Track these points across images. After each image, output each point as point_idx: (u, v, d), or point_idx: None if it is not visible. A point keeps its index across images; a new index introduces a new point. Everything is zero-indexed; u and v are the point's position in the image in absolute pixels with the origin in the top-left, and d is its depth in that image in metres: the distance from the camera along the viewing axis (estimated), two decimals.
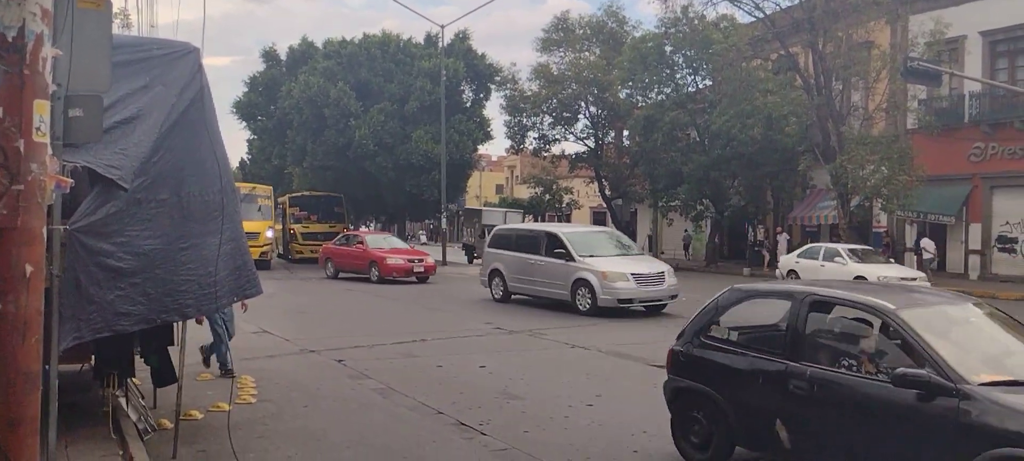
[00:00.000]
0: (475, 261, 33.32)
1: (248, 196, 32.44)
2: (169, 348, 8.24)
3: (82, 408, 8.21)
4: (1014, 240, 28.95)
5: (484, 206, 41.02)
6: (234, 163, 60.72)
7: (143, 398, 8.60)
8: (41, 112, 4.12)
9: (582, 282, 18.57)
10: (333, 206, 40.01)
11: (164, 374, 8.23)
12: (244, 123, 47.01)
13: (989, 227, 29.60)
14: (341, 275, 28.64)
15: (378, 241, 29.34)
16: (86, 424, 7.63)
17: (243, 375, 10.60)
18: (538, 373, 11.51)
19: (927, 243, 29.11)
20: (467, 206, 54.01)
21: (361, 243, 28.72)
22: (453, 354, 13.00)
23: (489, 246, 22.10)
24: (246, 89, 46.20)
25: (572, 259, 18.97)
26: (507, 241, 21.51)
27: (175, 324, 7.95)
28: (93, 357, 8.52)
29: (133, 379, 8.59)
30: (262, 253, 30.61)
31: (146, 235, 6.25)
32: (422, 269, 27.22)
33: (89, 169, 5.99)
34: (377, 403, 9.59)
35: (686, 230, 44.15)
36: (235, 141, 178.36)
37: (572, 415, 9.00)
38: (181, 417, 7.50)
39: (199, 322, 9.75)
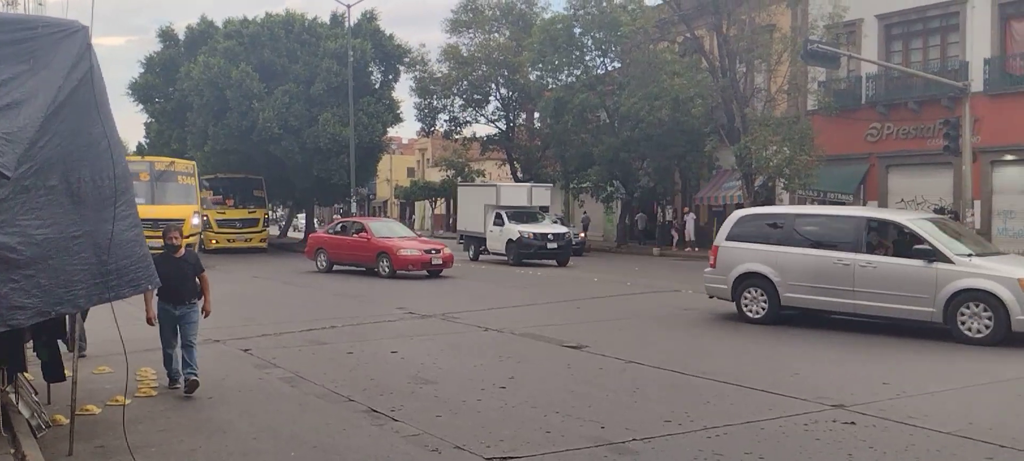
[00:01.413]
0: (482, 256, 31.07)
1: (165, 173, 29.43)
2: (61, 341, 7.85)
3: None
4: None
5: (499, 182, 35.25)
6: (131, 148, 58.55)
7: (36, 393, 8.18)
8: None
9: (972, 296, 12.29)
10: (252, 189, 38.34)
11: (54, 369, 7.83)
12: (141, 106, 45.29)
13: (885, 205, 30.79)
14: (336, 268, 25.64)
15: (382, 228, 25.96)
16: None
17: (143, 367, 10.20)
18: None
19: None
20: (475, 182, 42.81)
21: (364, 231, 25.18)
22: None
23: (731, 238, 15.21)
24: (142, 70, 44.50)
25: (945, 260, 12.63)
26: (776, 231, 14.76)
27: (67, 316, 7.58)
28: None
29: (25, 374, 8.15)
30: (189, 246, 28.81)
31: (37, 224, 5.94)
32: (440, 261, 24.01)
33: None
34: (285, 392, 9.34)
35: (584, 212, 44.52)
36: (132, 124, 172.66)
37: (484, 398, 8.95)
38: (77, 412, 7.15)
39: (150, 323, 9.29)
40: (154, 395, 9.10)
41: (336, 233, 26.63)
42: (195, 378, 9.00)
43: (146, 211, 23.66)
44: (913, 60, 29.97)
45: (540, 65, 39.74)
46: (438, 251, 24.09)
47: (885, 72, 29.85)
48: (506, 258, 29.22)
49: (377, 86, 41.96)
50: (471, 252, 31.52)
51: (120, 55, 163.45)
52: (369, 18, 41.79)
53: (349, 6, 39.22)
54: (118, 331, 7.15)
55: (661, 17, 34.96)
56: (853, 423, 7.87)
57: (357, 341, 12.72)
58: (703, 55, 32.72)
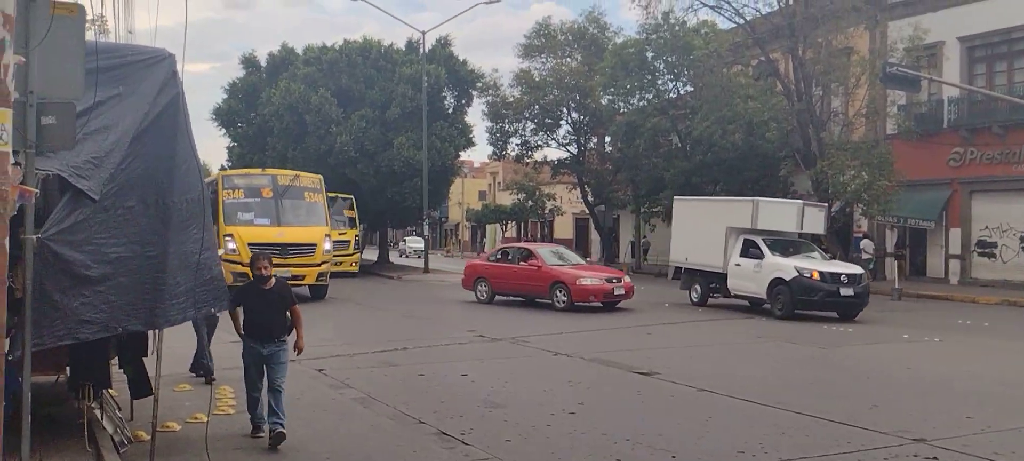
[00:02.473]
0: (715, 297, 22.74)
1: (290, 190, 23.91)
2: (145, 359, 8.11)
3: (57, 420, 8.06)
4: (993, 244, 29.16)
5: (756, 197, 23.79)
6: (213, 170, 60.23)
7: (119, 409, 8.45)
8: (2, 120, 4.02)
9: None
10: (342, 208, 33.85)
11: (140, 385, 8.09)
12: (224, 130, 46.62)
13: (968, 232, 29.81)
14: (498, 298, 23.25)
15: (551, 255, 23.17)
16: (61, 436, 7.48)
17: (222, 385, 10.46)
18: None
19: (866, 244, 29.86)
20: (708, 197, 31.06)
21: (534, 258, 22.53)
22: None
23: None
24: (225, 96, 45.83)
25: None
26: None
27: (151, 334, 7.84)
28: (68, 367, 8.39)
29: (110, 390, 8.45)
30: (319, 276, 22.79)
31: (112, 242, 6.17)
32: (622, 291, 21.40)
33: (60, 177, 5.88)
34: (358, 412, 9.48)
35: (645, 236, 44.13)
36: (215, 148, 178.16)
37: (554, 423, 8.93)
38: (158, 429, 7.36)
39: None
40: (232, 414, 9.30)
41: (498, 260, 24.07)
42: (282, 430, 7.80)
43: (270, 234, 21.82)
44: (998, 83, 29.04)
45: (611, 89, 39.68)
46: (619, 279, 21.65)
47: (968, 95, 28.98)
48: (760, 304, 21.22)
49: (450, 111, 42.42)
50: (695, 292, 23.05)
51: (204, 81, 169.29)
52: (443, 44, 42.33)
53: (424, 32, 39.86)
54: (205, 350, 7.35)
55: (735, 40, 34.61)
56: (935, 459, 7.62)
57: (429, 362, 12.83)
58: (778, 78, 32.24)
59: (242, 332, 8.08)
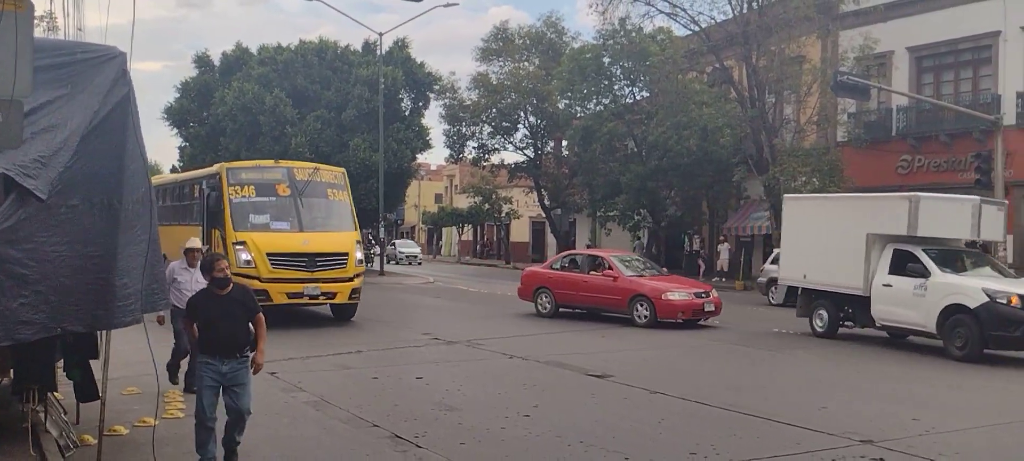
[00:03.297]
0: (848, 327, 17.27)
1: (310, 186, 18.66)
2: (92, 361, 7.96)
3: (1, 424, 7.88)
4: None
5: (916, 193, 16.86)
6: (165, 171, 59.31)
7: (65, 413, 8.29)
8: None
9: None
10: None
11: (86, 389, 7.95)
12: (176, 130, 46.00)
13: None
14: (562, 310, 20.42)
15: (626, 265, 20.28)
16: (5, 440, 7.34)
17: (171, 389, 10.32)
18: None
19: None
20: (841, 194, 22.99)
21: (609, 268, 19.67)
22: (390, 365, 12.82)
23: None
24: (178, 95, 45.23)
25: None
26: None
27: (99, 336, 7.70)
28: (12, 370, 8.21)
29: (55, 393, 8.28)
30: (353, 293, 18.16)
31: (54, 241, 6.05)
32: (713, 306, 18.87)
33: (6, 176, 5.76)
34: (310, 416, 9.41)
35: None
36: (166, 148, 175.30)
37: (508, 426, 8.95)
38: (105, 433, 7.24)
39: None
40: (182, 417, 9.18)
41: (564, 269, 21.08)
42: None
43: (294, 243, 17.31)
44: (945, 92, 29.73)
45: (569, 94, 39.91)
46: (708, 294, 19.07)
47: (916, 104, 29.63)
48: (903, 336, 16.63)
49: (407, 113, 42.31)
50: (819, 320, 17.22)
51: (156, 80, 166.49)
52: (401, 46, 42.21)
53: (381, 34, 39.69)
54: (150, 352, 7.25)
55: (690, 47, 35.00)
56: (882, 459, 7.78)
57: (382, 367, 12.77)
58: (732, 85, 32.68)
59: (198, 349, 7.31)
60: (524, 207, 53.22)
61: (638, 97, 39.47)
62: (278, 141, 37.56)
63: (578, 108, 40.64)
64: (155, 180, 23.56)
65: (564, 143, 46.75)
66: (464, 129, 46.08)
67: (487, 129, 46.09)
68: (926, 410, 10.03)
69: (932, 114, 29.57)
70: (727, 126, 31.53)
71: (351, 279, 17.88)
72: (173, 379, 10.70)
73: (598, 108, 38.95)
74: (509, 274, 36.02)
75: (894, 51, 30.25)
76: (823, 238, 17.36)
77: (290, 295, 17.12)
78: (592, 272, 20.09)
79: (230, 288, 7.11)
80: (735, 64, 33.25)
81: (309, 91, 39.06)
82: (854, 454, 7.91)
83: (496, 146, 46.72)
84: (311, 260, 17.24)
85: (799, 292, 18.17)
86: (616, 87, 39.02)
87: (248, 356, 7.08)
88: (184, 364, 10.73)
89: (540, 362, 13.42)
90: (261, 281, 16.50)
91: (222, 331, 6.93)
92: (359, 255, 18.26)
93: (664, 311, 18.35)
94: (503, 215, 54.01)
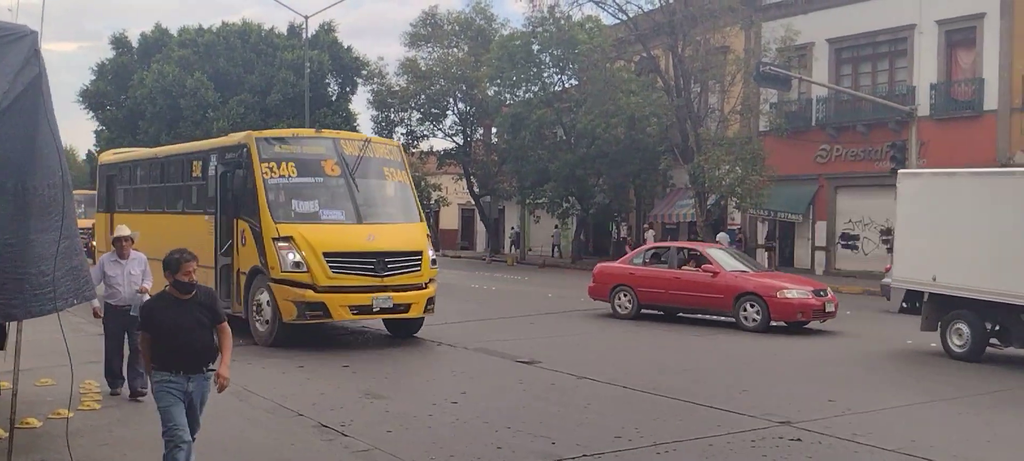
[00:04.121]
0: (993, 344, 13.42)
1: (364, 163, 14.16)
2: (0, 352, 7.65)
3: None
4: (856, 237, 30.77)
5: None
6: (81, 156, 57.43)
7: None
8: None
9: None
10: None
11: None
12: (92, 113, 44.49)
13: (833, 225, 31.36)
14: (644, 312, 17.97)
15: (727, 258, 17.95)
16: None
17: (87, 379, 10.00)
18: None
19: (722, 236, 31.26)
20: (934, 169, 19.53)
21: (708, 263, 17.19)
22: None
23: None
24: (94, 77, 43.74)
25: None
26: None
27: (7, 326, 7.40)
28: None
29: None
30: (429, 304, 13.86)
31: None
32: (833, 307, 16.47)
33: None
34: (233, 407, 9.22)
35: (513, 226, 44.67)
36: (82, 132, 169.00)
37: (436, 413, 8.92)
38: (17, 425, 6.97)
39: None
40: (98, 409, 8.91)
41: (646, 264, 18.48)
42: None
43: (356, 238, 13.18)
44: (862, 84, 30.63)
45: (498, 81, 39.87)
46: (825, 292, 16.65)
47: (835, 95, 30.45)
48: None
49: (334, 98, 41.75)
50: (957, 337, 13.30)
51: (71, 61, 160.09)
52: (327, 30, 41.59)
53: (307, 17, 38.98)
54: (65, 342, 6.99)
55: (618, 36, 35.30)
56: (799, 439, 7.99)
57: (308, 355, 12.60)
58: (659, 74, 33.09)
59: (154, 364, 6.03)
60: (453, 194, 53.03)
61: (567, 85, 39.65)
62: (199, 125, 36.67)
63: (507, 95, 40.64)
64: (133, 155, 20.01)
65: (494, 130, 46.70)
66: (392, 115, 45.63)
67: (416, 115, 45.74)
68: None
69: (850, 105, 30.45)
70: (654, 115, 31.92)
71: (426, 286, 13.66)
72: (114, 386, 9.64)
73: (527, 96, 39.02)
74: (442, 262, 35.87)
75: (814, 43, 31.02)
76: (965, 226, 13.16)
77: (355, 309, 12.81)
78: (684, 267, 17.63)
79: (194, 291, 6.09)
80: (662, 53, 33.66)
81: (232, 74, 38.21)
82: None
83: (425, 133, 46.40)
84: (380, 261, 12.99)
85: (924, 299, 13.93)
86: (545, 75, 39.13)
87: (213, 370, 6.09)
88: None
89: (468, 349, 13.38)
90: (317, 291, 12.52)
91: (188, 342, 5.93)
92: (432, 253, 14.14)
93: (780, 312, 15.92)
94: (432, 202, 53.74)
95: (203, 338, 6.04)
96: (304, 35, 39.32)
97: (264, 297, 13.12)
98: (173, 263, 6.04)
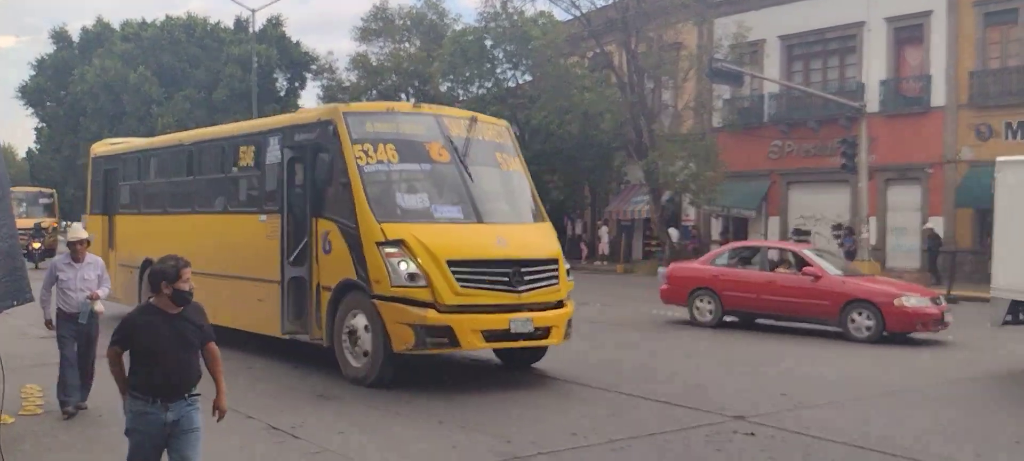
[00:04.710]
0: None
1: (472, 145, 11.18)
2: None
3: None
4: (808, 232, 31.17)
5: None
6: (20, 154, 55.87)
7: None
8: None
9: None
10: None
11: None
12: (31, 109, 43.34)
13: (785, 220, 31.71)
14: (726, 319, 16.37)
15: (828, 261, 16.39)
16: None
17: (29, 384, 9.60)
18: None
19: (673, 232, 31.72)
20: None
21: (808, 265, 15.47)
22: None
23: None
24: (33, 73, 42.63)
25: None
26: None
27: None
28: None
29: None
30: (568, 328, 10.95)
31: None
32: (950, 318, 14.81)
33: None
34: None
35: None
36: (21, 129, 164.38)
37: (388, 414, 8.71)
38: None
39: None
40: (40, 414, 8.55)
41: (731, 264, 16.79)
42: None
43: (481, 243, 10.21)
44: (813, 80, 31.02)
45: (451, 76, 39.62)
46: (940, 300, 15.23)
47: (786, 91, 30.78)
48: None
49: (283, 93, 41.23)
50: None
51: (9, 56, 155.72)
52: (275, 24, 41.03)
53: (254, 11, 38.35)
54: None
55: (572, 32, 35.30)
56: (753, 434, 7.94)
57: (257, 355, 12.28)
58: (612, 71, 33.15)
59: (130, 389, 5.06)
60: None
61: (520, 81, 39.55)
62: (144, 121, 35.96)
63: (461, 91, 40.42)
64: (142, 144, 16.77)
65: None
66: None
67: None
68: None
69: (801, 101, 30.81)
70: (608, 111, 31.98)
71: (564, 303, 10.81)
72: (65, 406, 8.49)
73: (481, 91, 38.84)
74: None
75: (766, 39, 31.33)
76: None
77: (488, 335, 9.88)
78: (779, 269, 15.95)
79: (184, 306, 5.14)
80: (615, 49, 33.73)
81: (177, 69, 37.52)
82: None
83: None
84: (516, 273, 10.01)
85: None
86: (499, 70, 38.99)
87: (198, 395, 5.16)
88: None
89: None
90: (440, 311, 9.56)
91: (171, 364, 4.98)
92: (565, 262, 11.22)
93: (897, 322, 14.26)
94: None
95: (189, 360, 5.11)
96: (251, 29, 38.70)
97: (360, 320, 9.81)
98: (171, 271, 5.06)
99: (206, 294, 10.27)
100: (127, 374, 5.07)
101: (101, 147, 17.92)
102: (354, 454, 7.19)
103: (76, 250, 8.63)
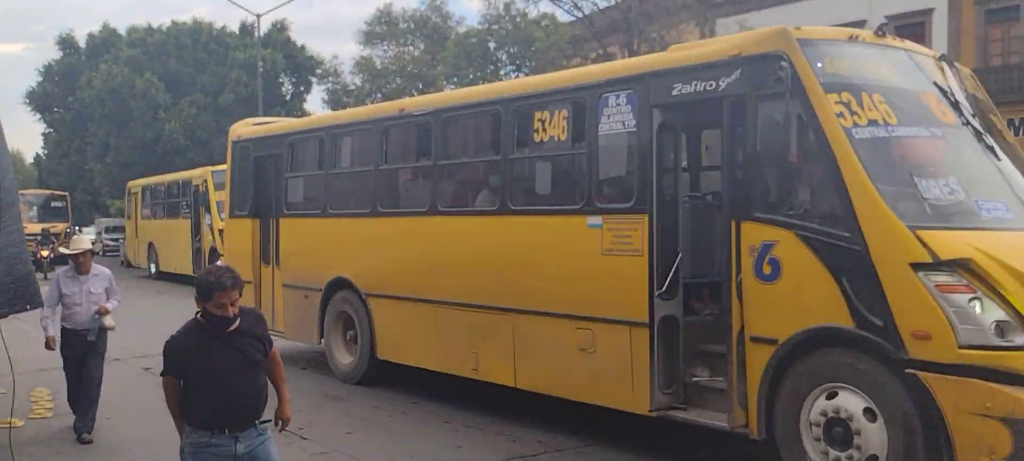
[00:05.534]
0: None
1: (971, 101, 6.92)
2: None
3: None
4: None
5: None
6: (28, 159, 56.19)
7: None
8: None
9: None
10: None
11: None
12: (39, 115, 43.54)
13: None
14: None
15: None
16: None
17: (38, 387, 9.73)
18: None
19: None
20: None
21: None
22: None
23: None
24: (40, 79, 42.83)
25: None
26: None
27: None
28: None
29: None
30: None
31: None
32: None
33: None
34: None
35: None
36: (29, 135, 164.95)
37: (395, 414, 8.81)
38: None
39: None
40: (49, 417, 8.67)
41: None
42: None
43: None
44: None
45: (454, 79, 39.70)
46: None
47: None
48: None
49: (288, 97, 41.34)
50: None
51: (17, 63, 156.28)
52: (280, 29, 41.17)
53: (259, 16, 38.50)
54: (4, 349, 6.76)
55: (574, 34, 35.38)
56: None
57: None
58: None
59: (186, 420, 4.36)
60: None
61: None
62: (150, 127, 36.08)
63: None
64: (325, 119, 12.88)
65: None
66: None
67: None
68: None
69: None
70: None
71: None
72: (83, 431, 7.88)
73: None
74: None
75: None
76: None
77: None
78: None
79: (237, 323, 4.34)
80: (618, 51, 33.76)
81: (183, 74, 37.65)
82: None
83: None
84: None
85: None
86: (502, 72, 39.05)
87: (269, 421, 4.55)
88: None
89: None
90: None
91: (236, 389, 4.27)
92: None
93: None
94: None
95: (255, 381, 4.38)
96: (256, 34, 38.83)
97: (851, 403, 5.77)
98: (204, 286, 4.24)
99: (463, 336, 8.61)
100: (183, 406, 4.34)
101: (245, 128, 13.12)
102: (361, 454, 7.29)
103: (79, 262, 7.94)
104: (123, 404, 9.20)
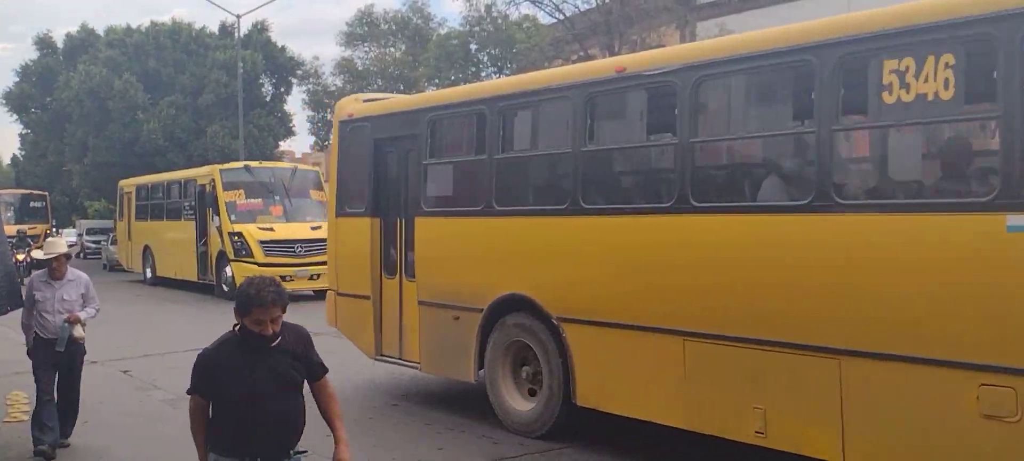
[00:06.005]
0: None
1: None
2: None
3: None
4: None
5: None
6: (4, 160, 55.60)
7: None
8: None
9: None
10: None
11: None
12: (15, 116, 43.13)
13: None
14: None
15: None
16: None
17: (14, 390, 9.64)
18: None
19: None
20: None
21: None
22: None
23: None
24: (17, 79, 42.41)
25: None
26: None
27: None
28: None
29: None
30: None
31: None
32: None
33: None
34: (167, 415, 8.96)
35: None
36: (6, 136, 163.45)
37: (377, 416, 8.79)
38: None
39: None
40: (25, 421, 8.58)
41: None
42: None
43: None
44: None
45: (436, 80, 39.70)
46: None
47: None
48: None
49: (268, 98, 41.15)
50: None
51: None
52: (260, 29, 40.96)
53: (239, 16, 38.36)
54: None
55: (555, 35, 35.45)
56: None
57: None
58: None
59: (211, 446, 3.92)
60: None
61: None
62: (129, 127, 35.84)
63: None
64: (573, 72, 8.55)
65: None
66: (329, 115, 45.18)
67: None
68: None
69: None
70: None
71: None
72: (39, 444, 7.28)
73: None
74: None
75: None
76: None
77: None
78: None
79: (279, 340, 3.91)
80: (599, 53, 33.83)
81: (162, 75, 37.40)
82: None
83: None
84: None
85: None
86: (484, 74, 39.08)
87: (305, 452, 4.08)
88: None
89: None
90: None
91: (270, 412, 3.84)
92: None
93: None
94: None
95: (291, 406, 3.95)
96: (236, 34, 38.60)
97: None
98: (243, 300, 3.80)
99: (736, 383, 6.00)
100: (208, 429, 3.92)
101: (358, 105, 10.18)
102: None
103: (53, 267, 7.44)
104: (101, 409, 9.13)
